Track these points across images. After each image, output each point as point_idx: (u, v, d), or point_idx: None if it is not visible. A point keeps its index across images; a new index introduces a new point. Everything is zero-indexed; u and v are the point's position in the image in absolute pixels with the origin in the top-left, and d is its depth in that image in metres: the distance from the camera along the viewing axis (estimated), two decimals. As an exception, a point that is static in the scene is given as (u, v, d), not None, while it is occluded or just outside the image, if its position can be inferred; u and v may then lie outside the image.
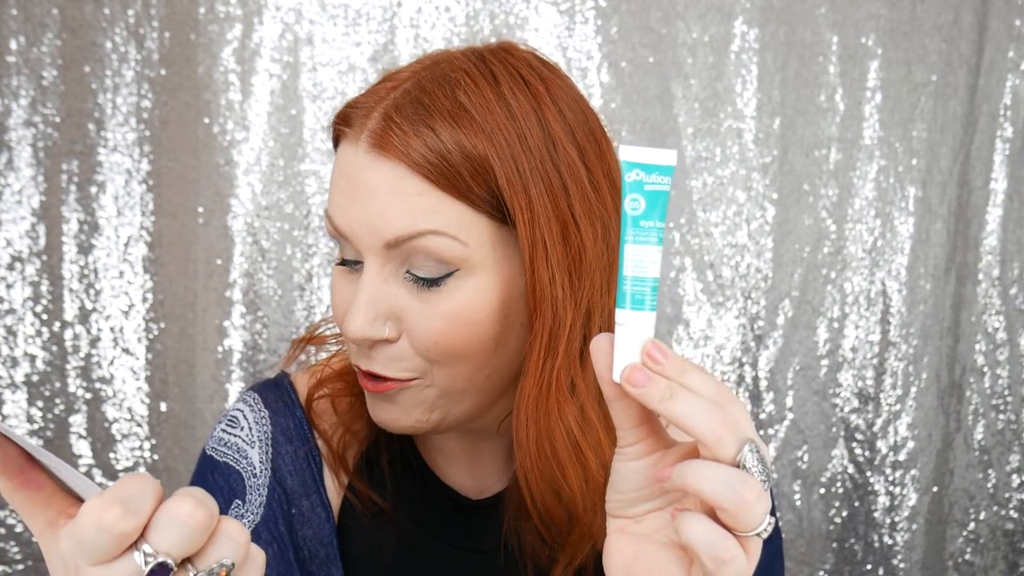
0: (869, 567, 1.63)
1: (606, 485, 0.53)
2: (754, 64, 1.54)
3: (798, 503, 1.60)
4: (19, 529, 1.46)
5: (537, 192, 0.59)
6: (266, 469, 0.70)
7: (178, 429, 1.49)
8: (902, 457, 1.62)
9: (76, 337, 1.47)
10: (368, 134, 0.59)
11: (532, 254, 0.59)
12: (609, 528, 0.52)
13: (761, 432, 1.59)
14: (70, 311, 1.46)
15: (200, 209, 1.47)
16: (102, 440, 1.48)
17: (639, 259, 0.48)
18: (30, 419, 1.46)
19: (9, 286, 1.45)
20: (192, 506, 0.39)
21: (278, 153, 1.47)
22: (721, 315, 1.57)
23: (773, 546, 0.71)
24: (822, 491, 1.61)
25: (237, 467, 0.70)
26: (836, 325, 1.59)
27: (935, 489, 1.63)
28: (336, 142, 0.64)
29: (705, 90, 1.54)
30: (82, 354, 1.47)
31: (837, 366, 1.60)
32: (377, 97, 0.61)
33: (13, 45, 1.42)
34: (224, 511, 0.69)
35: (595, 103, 1.52)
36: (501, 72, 0.61)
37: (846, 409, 1.60)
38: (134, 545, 0.39)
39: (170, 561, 0.39)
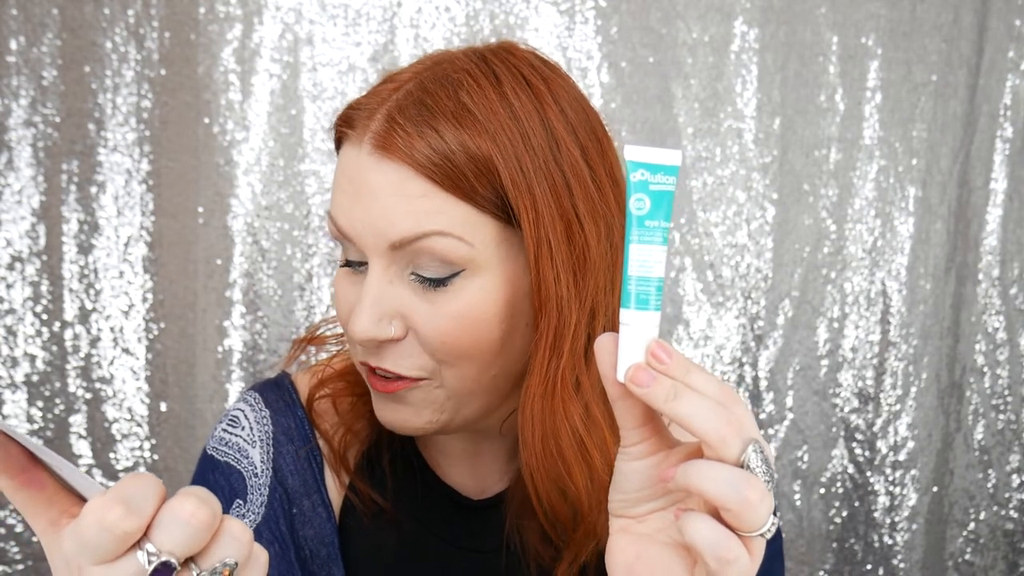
0: (869, 567, 1.63)
1: (611, 483, 0.53)
2: (754, 64, 1.54)
3: (798, 503, 1.60)
4: (19, 529, 1.46)
5: (541, 192, 0.59)
6: (267, 469, 0.70)
7: (178, 429, 1.49)
8: (902, 457, 1.62)
9: (76, 337, 1.47)
10: (371, 136, 0.59)
11: (537, 254, 0.59)
12: (612, 528, 0.52)
13: (761, 432, 1.59)
14: (70, 311, 1.46)
15: (200, 209, 1.47)
16: (102, 440, 1.48)
17: (644, 259, 0.48)
18: (30, 419, 1.46)
19: (9, 286, 1.45)
20: (195, 505, 0.39)
21: (278, 153, 1.47)
22: (721, 315, 1.57)
23: (774, 547, 0.71)
24: (822, 491, 1.61)
25: (238, 467, 0.70)
26: (836, 325, 1.59)
27: (935, 489, 1.63)
28: (338, 144, 0.64)
29: (705, 90, 1.54)
30: (82, 354, 1.47)
31: (837, 366, 1.60)
32: (379, 98, 0.61)
33: (13, 45, 1.42)
34: (225, 511, 0.69)
35: (595, 103, 1.52)
36: (503, 72, 0.61)
37: (846, 409, 1.61)
38: (137, 544, 0.39)
39: (173, 560, 0.38)
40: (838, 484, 1.61)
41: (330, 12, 1.47)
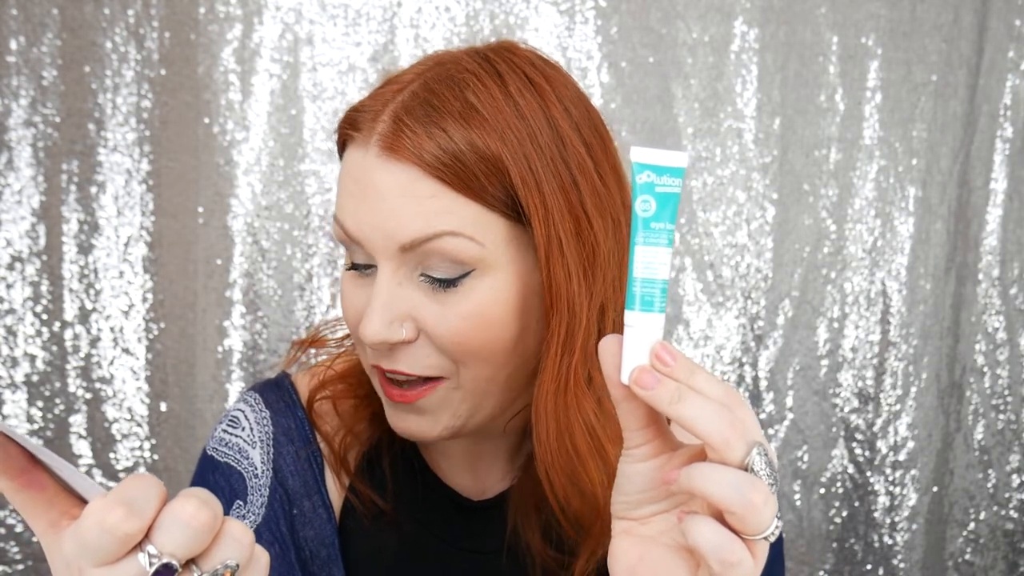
0: (869, 567, 1.63)
1: (614, 485, 0.53)
2: (754, 64, 1.54)
3: (798, 503, 1.60)
4: (19, 529, 1.46)
5: (550, 189, 0.59)
6: (267, 470, 0.70)
7: (178, 429, 1.49)
8: (902, 457, 1.62)
9: (76, 337, 1.47)
10: (378, 137, 0.59)
11: (548, 252, 0.59)
12: (615, 530, 0.52)
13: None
14: (70, 311, 1.46)
15: (200, 209, 1.47)
16: (102, 440, 1.47)
17: (649, 260, 0.48)
18: (30, 419, 1.46)
19: (9, 286, 1.45)
20: (196, 507, 0.39)
21: (278, 153, 1.47)
22: (721, 315, 1.57)
23: (775, 548, 0.71)
24: (822, 491, 1.61)
25: (238, 467, 0.70)
26: (836, 325, 1.59)
27: (935, 489, 1.63)
28: (341, 148, 0.64)
29: (705, 90, 1.54)
30: (82, 354, 1.47)
31: (837, 366, 1.60)
32: (383, 100, 0.61)
33: (13, 45, 1.42)
34: (225, 512, 0.68)
35: (595, 103, 1.51)
36: (507, 71, 0.61)
37: (846, 409, 1.61)
38: (138, 546, 0.39)
39: (174, 562, 0.38)
40: (838, 484, 1.61)
41: (330, 12, 1.47)
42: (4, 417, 1.45)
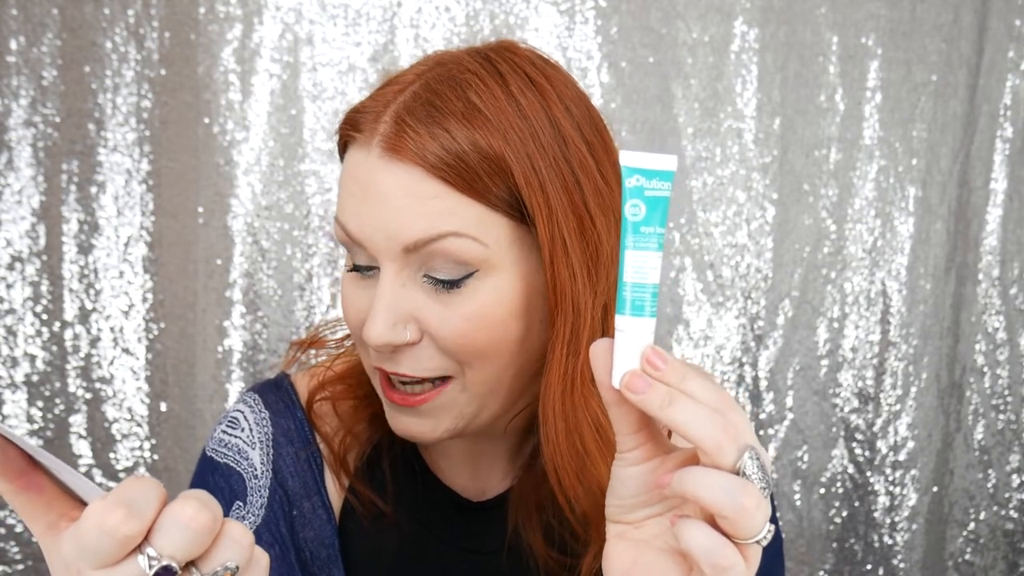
0: (869, 567, 1.63)
1: (607, 489, 0.53)
2: (754, 64, 1.54)
3: (798, 503, 1.60)
4: (19, 529, 1.46)
5: (553, 189, 0.59)
6: (267, 470, 0.70)
7: (178, 429, 1.49)
8: (902, 457, 1.62)
9: (76, 337, 1.47)
10: (380, 138, 0.59)
11: (552, 251, 0.59)
12: (609, 533, 0.52)
13: (761, 432, 1.60)
14: (70, 311, 1.46)
15: (200, 209, 1.47)
16: (102, 440, 1.47)
17: (639, 265, 0.48)
18: (30, 419, 1.46)
19: (9, 286, 1.45)
20: (196, 509, 0.39)
21: (278, 153, 1.47)
22: (721, 315, 1.57)
23: (774, 547, 0.71)
24: (822, 491, 1.61)
25: (238, 468, 0.70)
26: (836, 325, 1.59)
27: (935, 489, 1.63)
28: (342, 149, 0.64)
29: (705, 90, 1.54)
30: (82, 354, 1.47)
31: (837, 366, 1.60)
32: (384, 101, 0.61)
33: (13, 45, 1.42)
34: (225, 513, 0.68)
35: (595, 103, 1.51)
36: (508, 71, 0.61)
37: (846, 409, 1.60)
38: (137, 548, 0.39)
39: (174, 564, 0.38)
40: (838, 484, 1.61)
41: (330, 12, 1.47)
42: (4, 417, 1.45)
